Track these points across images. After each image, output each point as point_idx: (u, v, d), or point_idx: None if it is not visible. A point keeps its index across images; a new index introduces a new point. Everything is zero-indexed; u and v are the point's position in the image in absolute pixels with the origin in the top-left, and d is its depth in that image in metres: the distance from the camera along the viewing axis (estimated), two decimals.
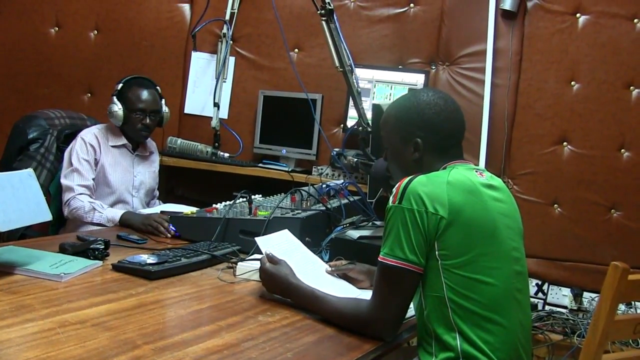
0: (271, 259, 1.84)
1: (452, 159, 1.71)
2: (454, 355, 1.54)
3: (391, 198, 1.59)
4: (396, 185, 1.60)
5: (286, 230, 2.11)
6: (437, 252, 1.54)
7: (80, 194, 2.77)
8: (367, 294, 1.68)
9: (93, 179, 2.85)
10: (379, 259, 1.58)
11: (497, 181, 1.71)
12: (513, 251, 1.63)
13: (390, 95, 3.52)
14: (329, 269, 2.00)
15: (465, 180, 1.61)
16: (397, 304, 1.58)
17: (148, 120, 2.92)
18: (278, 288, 1.80)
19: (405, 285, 1.57)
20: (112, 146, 2.92)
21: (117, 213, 2.73)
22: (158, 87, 3.00)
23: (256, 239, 1.96)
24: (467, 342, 1.54)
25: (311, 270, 1.93)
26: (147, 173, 3.06)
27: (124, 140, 2.95)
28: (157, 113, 2.95)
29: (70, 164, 2.82)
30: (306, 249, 2.07)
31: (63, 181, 2.81)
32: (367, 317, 1.60)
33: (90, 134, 2.88)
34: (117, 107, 2.86)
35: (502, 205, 1.65)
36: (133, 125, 2.90)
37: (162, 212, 2.71)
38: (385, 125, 1.79)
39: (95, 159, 2.86)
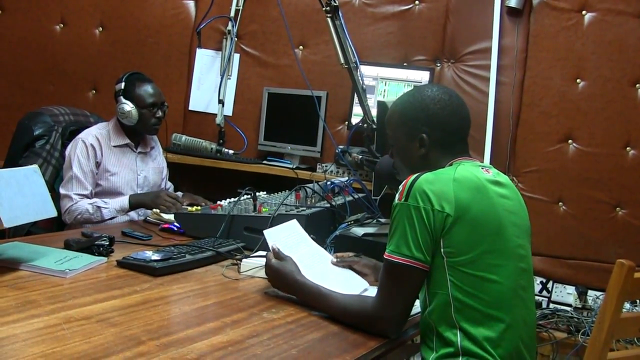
0: (277, 254, 1.84)
1: (458, 154, 1.70)
2: (454, 350, 1.55)
3: (397, 195, 1.58)
4: (402, 183, 1.59)
5: (294, 221, 2.10)
6: (442, 250, 1.54)
7: (78, 201, 2.77)
8: (374, 290, 1.68)
9: (93, 184, 2.83)
10: (384, 256, 1.58)
11: (503, 178, 1.70)
12: (518, 248, 1.62)
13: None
14: (335, 259, 2.01)
15: (472, 177, 1.60)
16: (403, 301, 1.58)
17: (160, 113, 2.93)
18: (284, 284, 1.80)
19: (411, 283, 1.57)
20: (115, 146, 2.91)
21: (123, 201, 2.78)
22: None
23: (264, 232, 1.95)
24: (467, 339, 1.54)
25: (318, 264, 1.94)
26: (150, 169, 3.05)
27: (126, 140, 2.94)
28: (164, 104, 2.96)
29: (70, 169, 2.80)
30: (312, 242, 2.07)
31: (61, 189, 2.79)
32: (373, 314, 1.60)
33: (91, 136, 2.86)
34: (130, 107, 2.84)
35: (508, 202, 1.64)
36: (146, 121, 2.90)
37: None
38: (390, 122, 1.78)
39: (97, 162, 2.84)
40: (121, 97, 2.87)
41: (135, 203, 2.80)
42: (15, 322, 1.44)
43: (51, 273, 1.81)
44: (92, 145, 2.83)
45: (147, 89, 2.91)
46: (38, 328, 1.43)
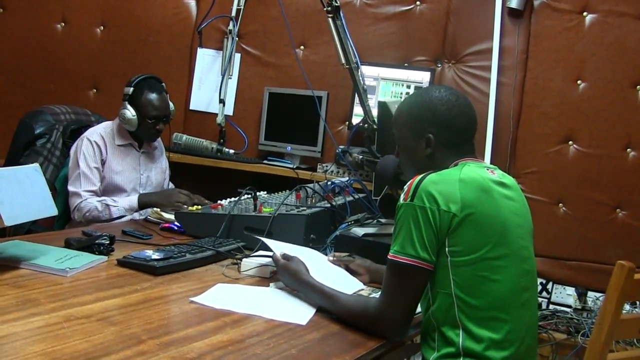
0: (285, 256, 1.87)
1: (464, 155, 1.70)
2: (455, 350, 1.55)
3: (402, 195, 1.58)
4: (408, 183, 1.59)
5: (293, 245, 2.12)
6: (447, 249, 1.54)
7: (87, 198, 2.77)
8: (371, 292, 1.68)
9: (101, 180, 2.84)
10: (388, 256, 1.58)
11: (508, 179, 1.71)
12: (522, 250, 1.62)
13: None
14: (332, 258, 2.04)
15: (478, 178, 1.60)
16: (406, 302, 1.58)
17: (161, 125, 2.91)
18: (293, 282, 1.83)
19: (416, 283, 1.57)
20: (119, 145, 2.91)
21: (132, 200, 2.78)
22: (164, 84, 2.98)
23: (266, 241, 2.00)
24: (469, 339, 1.54)
25: (316, 264, 1.94)
26: (153, 169, 3.05)
27: (130, 139, 2.94)
28: (168, 117, 2.95)
29: (77, 167, 2.80)
30: (309, 249, 2.09)
31: (70, 187, 2.80)
32: (375, 314, 1.60)
33: (96, 134, 2.86)
34: (131, 114, 2.82)
35: (513, 204, 1.65)
36: (145, 131, 2.90)
37: None
38: (397, 121, 1.79)
39: (102, 160, 2.85)
40: (126, 102, 2.84)
41: (145, 203, 2.79)
42: (16, 321, 1.44)
43: (51, 272, 1.81)
44: (97, 143, 2.83)
45: (153, 100, 2.86)
46: (38, 326, 1.43)
